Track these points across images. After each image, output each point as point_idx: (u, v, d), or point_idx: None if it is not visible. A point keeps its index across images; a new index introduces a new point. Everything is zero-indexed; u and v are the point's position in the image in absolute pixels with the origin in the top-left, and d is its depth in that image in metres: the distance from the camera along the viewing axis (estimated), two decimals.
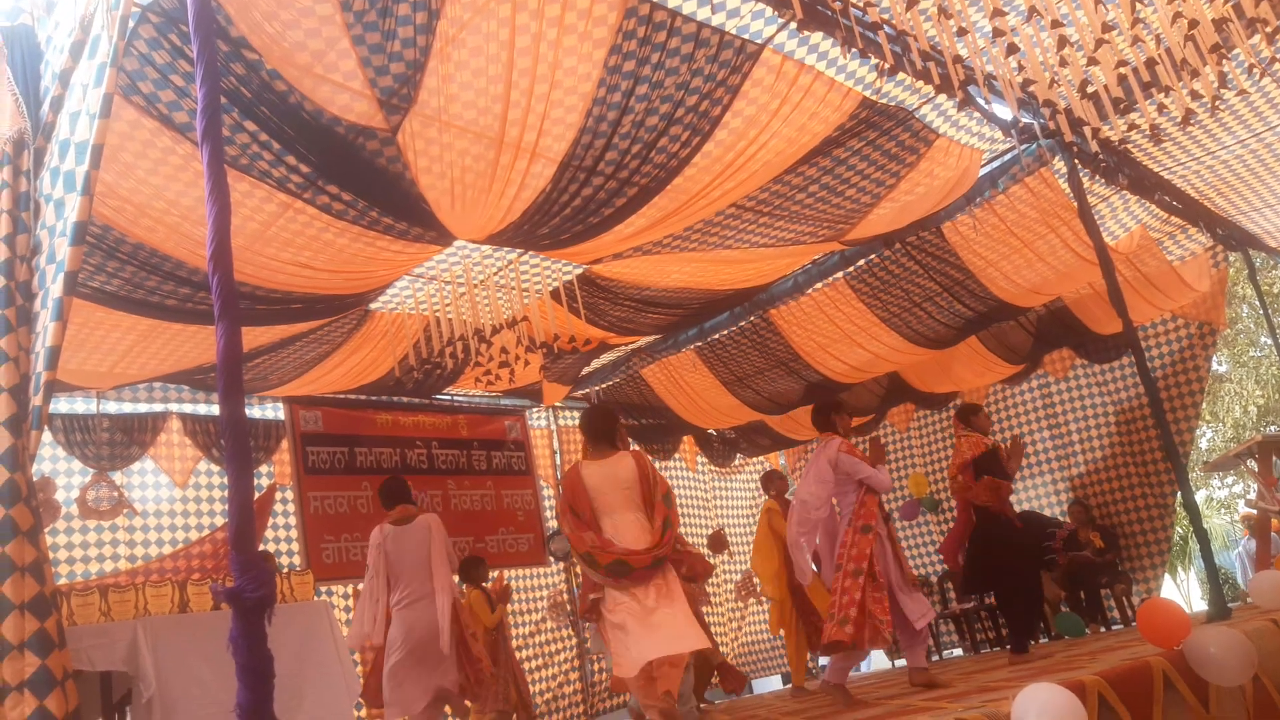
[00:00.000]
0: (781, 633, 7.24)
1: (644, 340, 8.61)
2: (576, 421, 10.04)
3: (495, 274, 6.46)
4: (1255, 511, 7.76)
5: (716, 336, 8.61)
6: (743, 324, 8.39)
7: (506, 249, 5.94)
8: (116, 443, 6.92)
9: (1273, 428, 16.60)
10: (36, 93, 3.14)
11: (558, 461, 9.84)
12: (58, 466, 6.70)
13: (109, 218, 4.24)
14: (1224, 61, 4.42)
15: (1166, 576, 11.23)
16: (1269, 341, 16.53)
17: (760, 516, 7.56)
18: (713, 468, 11.27)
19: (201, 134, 2.48)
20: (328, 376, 7.19)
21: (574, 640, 9.22)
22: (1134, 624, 6.63)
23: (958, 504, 6.83)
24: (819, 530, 5.54)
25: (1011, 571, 6.31)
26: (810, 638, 7.01)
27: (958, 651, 9.96)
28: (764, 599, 10.49)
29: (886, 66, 4.25)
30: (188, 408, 7.43)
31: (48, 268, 2.91)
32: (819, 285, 7.85)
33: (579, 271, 6.55)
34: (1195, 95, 4.70)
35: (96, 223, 4.21)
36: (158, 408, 7.29)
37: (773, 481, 7.60)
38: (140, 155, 3.94)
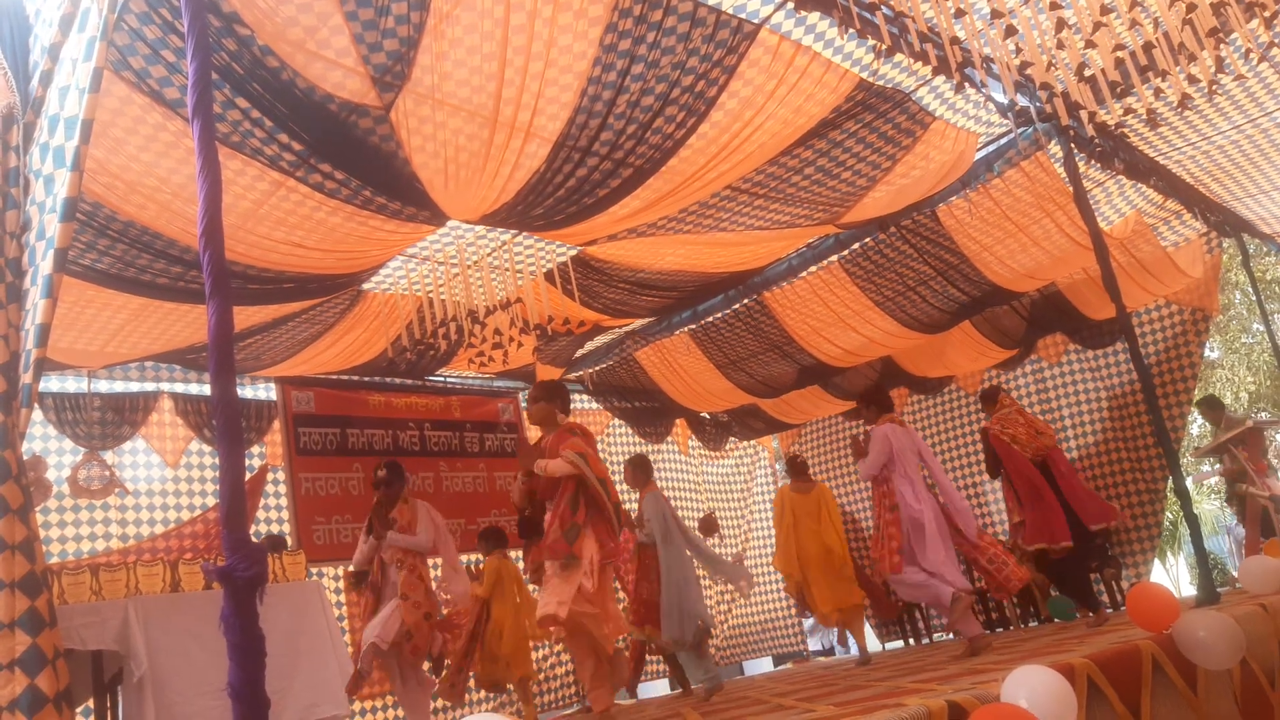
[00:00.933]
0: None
1: (638, 323, 8.60)
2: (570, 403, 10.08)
3: (489, 255, 6.43)
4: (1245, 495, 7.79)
5: (710, 319, 8.61)
6: (736, 307, 8.39)
7: (500, 229, 5.91)
8: (108, 422, 6.91)
9: (1263, 414, 16.68)
10: (25, 67, 3.10)
11: None
12: (49, 445, 6.68)
13: (99, 194, 4.21)
14: (1221, 46, 4.41)
15: (1155, 561, 11.29)
16: (1261, 328, 16.60)
17: (818, 502, 7.82)
18: (704, 451, 11.28)
19: (192, 109, 2.45)
20: (320, 357, 7.17)
21: None
22: (1123, 608, 6.67)
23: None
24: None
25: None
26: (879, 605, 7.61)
27: (949, 636, 10.01)
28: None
29: (884, 48, 4.23)
30: (179, 387, 7.41)
31: (38, 244, 2.88)
32: (813, 268, 7.84)
33: (573, 253, 6.53)
34: (1192, 80, 4.69)
35: (87, 199, 4.17)
36: (149, 387, 7.26)
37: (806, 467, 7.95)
38: (130, 131, 3.91)
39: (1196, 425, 18.08)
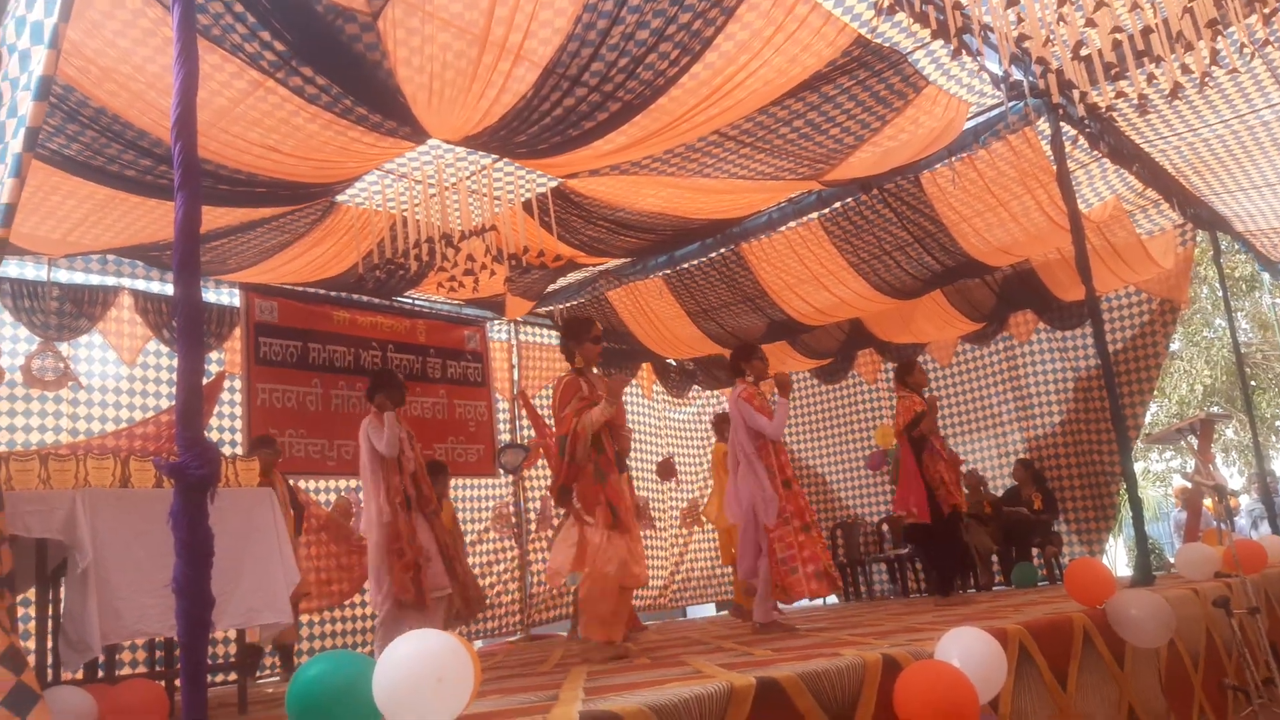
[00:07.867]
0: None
1: (613, 263, 8.56)
2: (538, 338, 10.05)
3: (468, 178, 6.34)
4: (1190, 485, 7.98)
5: (686, 266, 8.57)
6: (713, 255, 8.36)
7: (481, 153, 5.83)
8: (65, 313, 6.78)
9: (1216, 407, 17.01)
10: None
11: (515, 376, 9.82)
12: (3, 332, 6.56)
13: (72, 78, 4.08)
14: (1219, 38, 4.40)
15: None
16: (1223, 324, 16.85)
17: (713, 458, 7.99)
18: (667, 397, 11.34)
19: None
20: (287, 266, 7.07)
21: (515, 553, 9.32)
22: (1061, 583, 6.85)
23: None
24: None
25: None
26: None
27: (888, 594, 10.23)
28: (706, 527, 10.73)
29: (886, 4, 4.18)
30: (140, 284, 7.27)
31: (8, 121, 2.78)
32: (792, 224, 7.82)
33: (553, 185, 6.45)
34: (1186, 69, 4.67)
35: (59, 82, 4.04)
36: (110, 281, 7.12)
37: (724, 424, 7.75)
38: (108, 15, 3.78)
39: (1149, 413, 18.44)
